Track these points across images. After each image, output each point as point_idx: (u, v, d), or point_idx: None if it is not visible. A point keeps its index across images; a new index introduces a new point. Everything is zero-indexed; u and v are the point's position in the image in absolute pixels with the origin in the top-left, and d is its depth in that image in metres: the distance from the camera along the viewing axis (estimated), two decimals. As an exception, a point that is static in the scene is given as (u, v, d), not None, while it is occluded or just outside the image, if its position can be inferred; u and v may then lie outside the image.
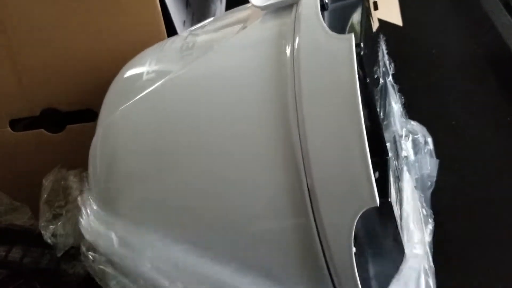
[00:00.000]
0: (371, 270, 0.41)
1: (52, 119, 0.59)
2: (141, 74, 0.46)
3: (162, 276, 0.40)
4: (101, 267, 0.42)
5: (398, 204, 0.46)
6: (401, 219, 0.45)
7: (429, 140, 0.58)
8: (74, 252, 0.56)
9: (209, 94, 0.41)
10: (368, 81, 0.39)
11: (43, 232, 0.47)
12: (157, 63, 0.46)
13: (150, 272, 0.40)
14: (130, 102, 0.44)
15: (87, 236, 0.42)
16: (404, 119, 0.57)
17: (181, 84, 0.43)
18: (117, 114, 0.44)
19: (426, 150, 0.57)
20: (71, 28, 0.56)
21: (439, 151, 0.58)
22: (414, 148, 0.57)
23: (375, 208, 0.35)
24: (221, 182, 0.39)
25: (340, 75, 0.35)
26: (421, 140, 0.58)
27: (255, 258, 0.39)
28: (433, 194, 0.56)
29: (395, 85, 0.56)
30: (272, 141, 0.37)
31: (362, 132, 0.34)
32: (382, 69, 0.51)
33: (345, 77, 0.35)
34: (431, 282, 0.45)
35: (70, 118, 0.59)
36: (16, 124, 0.60)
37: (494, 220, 0.62)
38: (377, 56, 0.51)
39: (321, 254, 0.36)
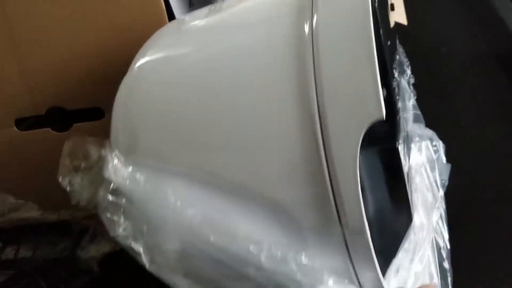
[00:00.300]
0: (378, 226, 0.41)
1: (58, 117, 0.60)
2: (161, 50, 0.47)
3: (185, 208, 0.41)
4: (114, 216, 0.43)
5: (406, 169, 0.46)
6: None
7: (439, 144, 0.58)
8: (90, 236, 0.57)
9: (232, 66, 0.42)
10: (381, 32, 0.41)
11: (61, 179, 0.46)
12: (177, 41, 0.48)
13: (174, 205, 0.41)
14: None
15: (113, 178, 0.42)
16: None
17: (203, 60, 0.44)
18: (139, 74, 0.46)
19: (437, 156, 0.57)
20: (75, 27, 0.57)
21: (446, 150, 0.58)
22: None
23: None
24: (238, 98, 0.40)
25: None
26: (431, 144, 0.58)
27: (266, 179, 0.40)
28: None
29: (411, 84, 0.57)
30: (285, 56, 0.39)
31: (372, 49, 0.35)
32: (399, 70, 0.52)
33: (359, 4, 0.37)
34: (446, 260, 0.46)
35: (76, 116, 0.60)
36: (22, 123, 0.60)
37: (494, 220, 0.62)
38: (394, 50, 0.52)
39: (326, 170, 0.37)
